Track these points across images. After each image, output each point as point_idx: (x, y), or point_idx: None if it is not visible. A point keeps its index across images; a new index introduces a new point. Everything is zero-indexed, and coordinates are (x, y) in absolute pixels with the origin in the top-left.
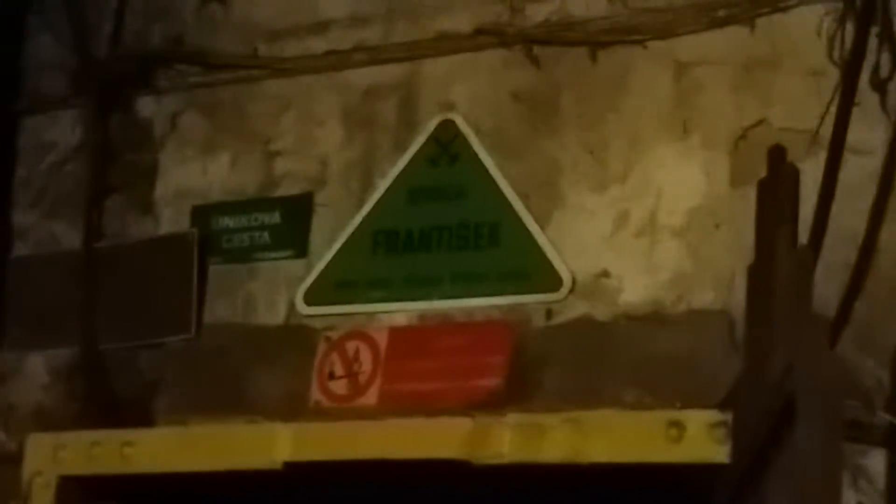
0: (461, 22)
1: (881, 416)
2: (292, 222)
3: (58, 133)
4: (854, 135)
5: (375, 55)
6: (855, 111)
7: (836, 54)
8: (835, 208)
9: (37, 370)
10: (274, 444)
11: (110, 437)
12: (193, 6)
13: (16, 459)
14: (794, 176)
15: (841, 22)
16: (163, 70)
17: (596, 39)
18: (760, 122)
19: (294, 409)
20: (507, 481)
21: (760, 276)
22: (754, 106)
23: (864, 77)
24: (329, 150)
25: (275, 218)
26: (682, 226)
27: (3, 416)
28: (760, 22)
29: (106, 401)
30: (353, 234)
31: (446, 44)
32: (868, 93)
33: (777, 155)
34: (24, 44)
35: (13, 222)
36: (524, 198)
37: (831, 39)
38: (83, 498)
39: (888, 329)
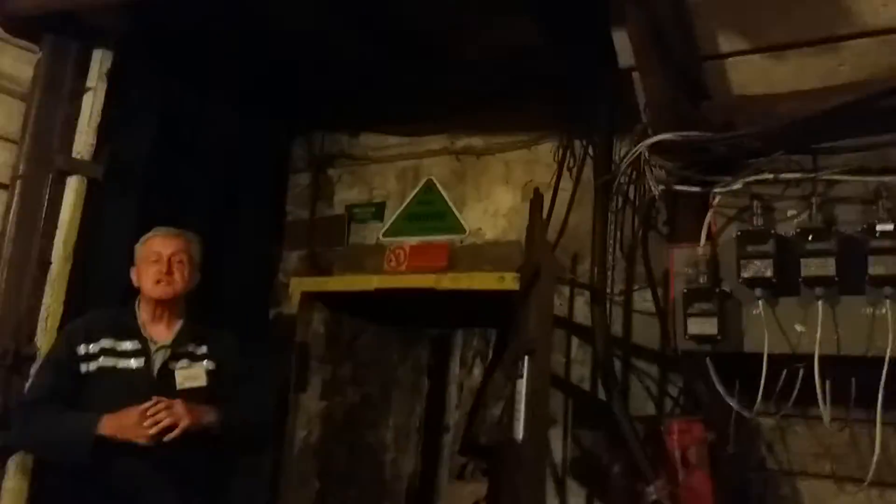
0: None
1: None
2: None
3: None
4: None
5: None
6: None
7: None
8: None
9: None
10: (372, 281)
11: (316, 281)
12: None
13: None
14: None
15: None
16: None
17: None
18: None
19: (380, 269)
20: (443, 298)
21: (531, 229)
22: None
23: None
24: None
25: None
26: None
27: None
28: None
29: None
30: (395, 217)
31: None
32: None
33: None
34: None
35: None
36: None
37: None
38: (308, 299)
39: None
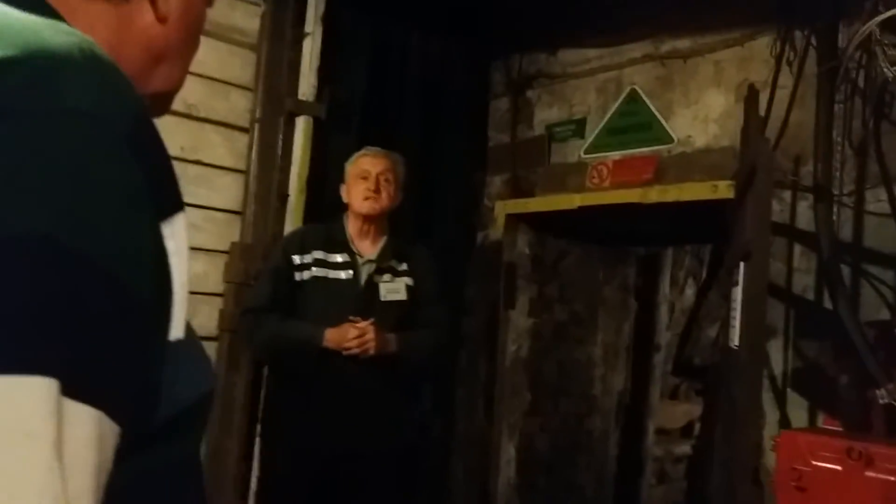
0: None
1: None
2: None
3: None
4: None
5: None
6: None
7: None
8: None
9: None
10: (574, 200)
11: (518, 203)
12: None
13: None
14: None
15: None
16: None
17: None
18: None
19: (582, 188)
20: (648, 208)
21: (746, 129)
22: None
23: None
24: None
25: (572, 126)
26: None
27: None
28: None
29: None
30: (597, 132)
31: None
32: None
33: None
34: None
35: None
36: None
37: None
38: (512, 221)
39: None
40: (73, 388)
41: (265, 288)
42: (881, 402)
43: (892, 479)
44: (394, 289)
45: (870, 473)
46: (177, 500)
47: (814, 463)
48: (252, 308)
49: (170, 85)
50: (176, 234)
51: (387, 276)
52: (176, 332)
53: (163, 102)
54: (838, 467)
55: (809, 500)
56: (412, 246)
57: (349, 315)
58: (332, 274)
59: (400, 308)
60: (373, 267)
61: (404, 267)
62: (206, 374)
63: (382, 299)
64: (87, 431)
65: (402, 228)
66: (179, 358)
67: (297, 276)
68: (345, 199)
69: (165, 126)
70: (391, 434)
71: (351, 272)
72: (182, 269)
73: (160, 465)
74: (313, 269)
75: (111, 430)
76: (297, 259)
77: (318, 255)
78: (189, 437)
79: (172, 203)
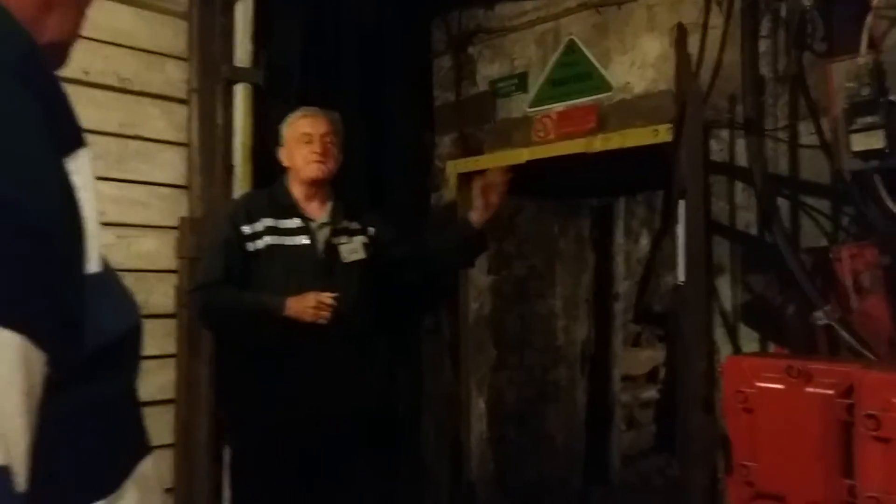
0: None
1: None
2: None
3: None
4: None
5: None
6: None
7: None
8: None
9: None
10: (522, 155)
11: (468, 162)
12: None
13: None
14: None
15: None
16: None
17: None
18: None
19: (529, 142)
20: (595, 159)
21: (678, 69)
22: None
23: None
24: None
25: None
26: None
27: None
28: None
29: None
30: (539, 85)
31: None
32: None
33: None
34: None
35: None
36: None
37: None
38: (465, 180)
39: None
40: None
41: (216, 261)
42: (820, 323)
43: (831, 392)
44: (352, 249)
45: (810, 389)
46: (113, 434)
47: (757, 384)
48: (203, 284)
49: (63, 34)
50: (81, 170)
51: (344, 238)
52: (92, 265)
53: (59, 53)
54: (780, 386)
55: (756, 420)
56: (356, 204)
57: (311, 281)
58: (289, 241)
59: (362, 267)
60: (328, 230)
61: (356, 225)
62: (130, 309)
63: (344, 261)
64: (12, 355)
65: (354, 194)
66: (99, 290)
67: (250, 245)
68: (285, 163)
69: (101, 102)
70: (362, 398)
71: (307, 238)
72: (91, 203)
73: (94, 400)
74: (265, 237)
75: (37, 356)
76: (246, 229)
77: (268, 222)
78: (120, 373)
79: (73, 138)
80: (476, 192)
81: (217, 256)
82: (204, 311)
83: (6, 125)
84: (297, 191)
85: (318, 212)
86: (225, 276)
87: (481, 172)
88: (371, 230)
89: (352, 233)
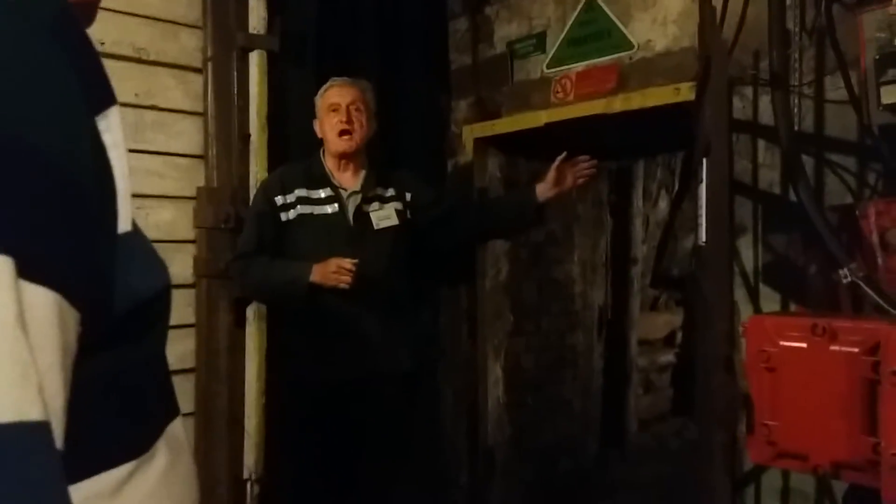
0: None
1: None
2: (541, 41)
3: None
4: None
5: None
6: None
7: None
8: None
9: None
10: (540, 117)
11: (484, 126)
12: None
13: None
14: None
15: None
16: None
17: None
18: None
19: (547, 104)
20: (615, 120)
21: (702, 25)
22: None
23: None
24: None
25: (533, 41)
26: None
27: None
28: None
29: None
30: (558, 45)
31: None
32: None
33: None
34: None
35: None
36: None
37: None
38: (482, 145)
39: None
40: (28, 270)
41: (251, 232)
42: (845, 281)
43: (856, 350)
44: (385, 216)
45: (834, 347)
46: (143, 396)
47: (781, 343)
48: (240, 254)
49: None
50: (112, 128)
51: (375, 205)
52: (123, 224)
53: (88, 12)
54: (804, 345)
55: (779, 379)
56: (393, 171)
57: (340, 249)
58: (318, 210)
59: (395, 234)
60: (359, 198)
61: (391, 192)
62: (159, 271)
63: (376, 227)
64: (48, 312)
65: (371, 160)
66: (130, 251)
67: (283, 216)
68: (319, 134)
69: (116, 72)
70: (392, 363)
71: (336, 206)
72: (121, 162)
73: (124, 362)
74: (298, 207)
75: (71, 314)
76: (279, 200)
77: (301, 192)
78: (150, 335)
79: (105, 97)
80: (554, 165)
81: (252, 228)
82: (239, 280)
83: (42, 82)
84: (330, 161)
85: (352, 180)
86: (258, 246)
87: (498, 137)
88: (408, 195)
89: (385, 200)
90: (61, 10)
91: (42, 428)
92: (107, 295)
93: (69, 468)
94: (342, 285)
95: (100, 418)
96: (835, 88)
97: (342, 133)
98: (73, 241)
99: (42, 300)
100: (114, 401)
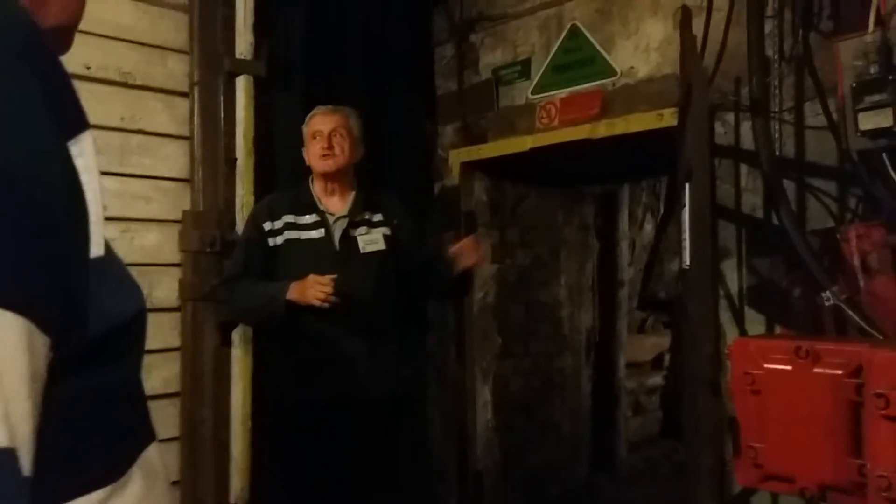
0: None
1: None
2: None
3: None
4: None
5: None
6: None
7: None
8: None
9: None
10: (526, 142)
11: (470, 151)
12: None
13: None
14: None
15: None
16: None
17: None
18: None
19: (532, 129)
20: (599, 145)
21: (682, 52)
22: None
23: None
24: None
25: (518, 67)
26: (658, 46)
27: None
28: None
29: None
30: (542, 72)
31: None
32: None
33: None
34: None
35: None
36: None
37: None
38: (468, 169)
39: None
40: None
41: (238, 258)
42: (827, 304)
43: (840, 372)
44: (372, 240)
45: (818, 370)
46: (117, 420)
47: (765, 366)
48: (226, 278)
49: (67, 17)
50: (84, 153)
51: (362, 229)
52: (96, 249)
53: (62, 38)
54: (788, 367)
55: (764, 402)
56: (382, 196)
57: (327, 272)
58: (304, 235)
59: (382, 257)
60: (346, 222)
61: (379, 217)
62: (134, 295)
63: (363, 252)
64: (16, 338)
65: (359, 185)
66: (103, 275)
67: (271, 241)
68: (307, 161)
69: (103, 96)
70: (377, 386)
71: (323, 230)
72: (94, 186)
73: (97, 386)
74: (285, 232)
75: (41, 339)
76: (267, 226)
77: (288, 218)
78: (124, 360)
79: (77, 122)
80: (452, 249)
81: (239, 253)
82: (225, 303)
83: (10, 107)
84: (317, 187)
85: (339, 205)
86: (244, 270)
87: (484, 161)
88: (395, 222)
89: (373, 224)
90: (31, 35)
91: (7, 454)
92: (79, 319)
93: (40, 494)
94: (319, 303)
95: (72, 443)
96: (814, 115)
97: (323, 157)
98: (43, 266)
99: (10, 325)
100: (86, 426)
